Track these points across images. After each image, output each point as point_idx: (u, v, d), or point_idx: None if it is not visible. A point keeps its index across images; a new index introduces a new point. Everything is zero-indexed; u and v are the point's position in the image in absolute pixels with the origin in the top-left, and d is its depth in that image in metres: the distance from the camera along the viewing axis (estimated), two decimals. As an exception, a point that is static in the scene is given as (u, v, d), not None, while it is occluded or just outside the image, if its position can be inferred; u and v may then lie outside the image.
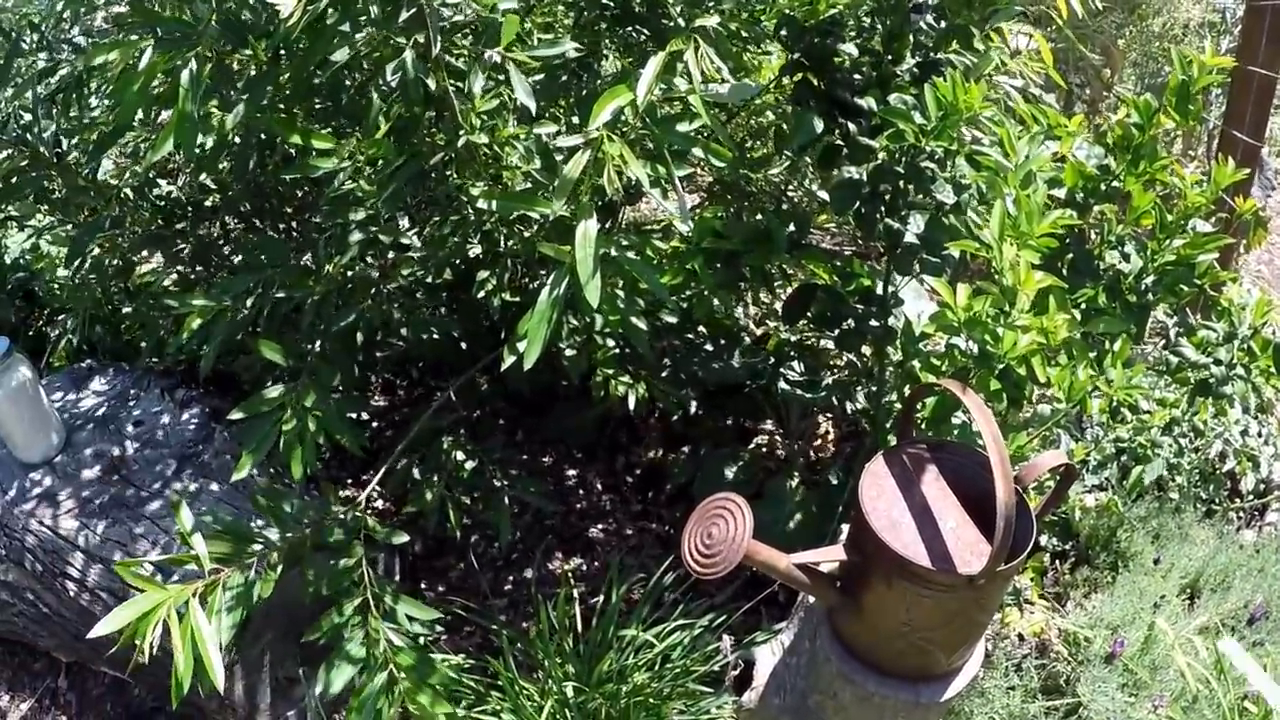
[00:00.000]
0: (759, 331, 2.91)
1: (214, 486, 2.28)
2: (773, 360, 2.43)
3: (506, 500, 2.33)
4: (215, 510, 2.20)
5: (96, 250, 2.43)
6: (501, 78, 1.77)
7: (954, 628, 1.46)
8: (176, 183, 2.46)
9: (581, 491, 2.64)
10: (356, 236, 1.99)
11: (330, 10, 1.63)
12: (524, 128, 1.88)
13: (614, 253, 1.76)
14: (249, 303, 1.99)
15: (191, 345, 2.06)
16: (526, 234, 2.02)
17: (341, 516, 2.00)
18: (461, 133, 1.83)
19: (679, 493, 2.60)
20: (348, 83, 1.90)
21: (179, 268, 2.47)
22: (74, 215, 2.39)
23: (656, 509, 2.64)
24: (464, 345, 2.44)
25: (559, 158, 1.86)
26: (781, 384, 2.36)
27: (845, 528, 1.58)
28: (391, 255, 2.06)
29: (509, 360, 1.82)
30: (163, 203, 2.33)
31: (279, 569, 1.89)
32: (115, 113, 2.11)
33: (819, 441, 2.70)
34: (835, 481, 2.40)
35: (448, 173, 1.98)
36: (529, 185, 1.89)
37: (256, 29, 1.78)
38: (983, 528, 1.42)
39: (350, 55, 1.71)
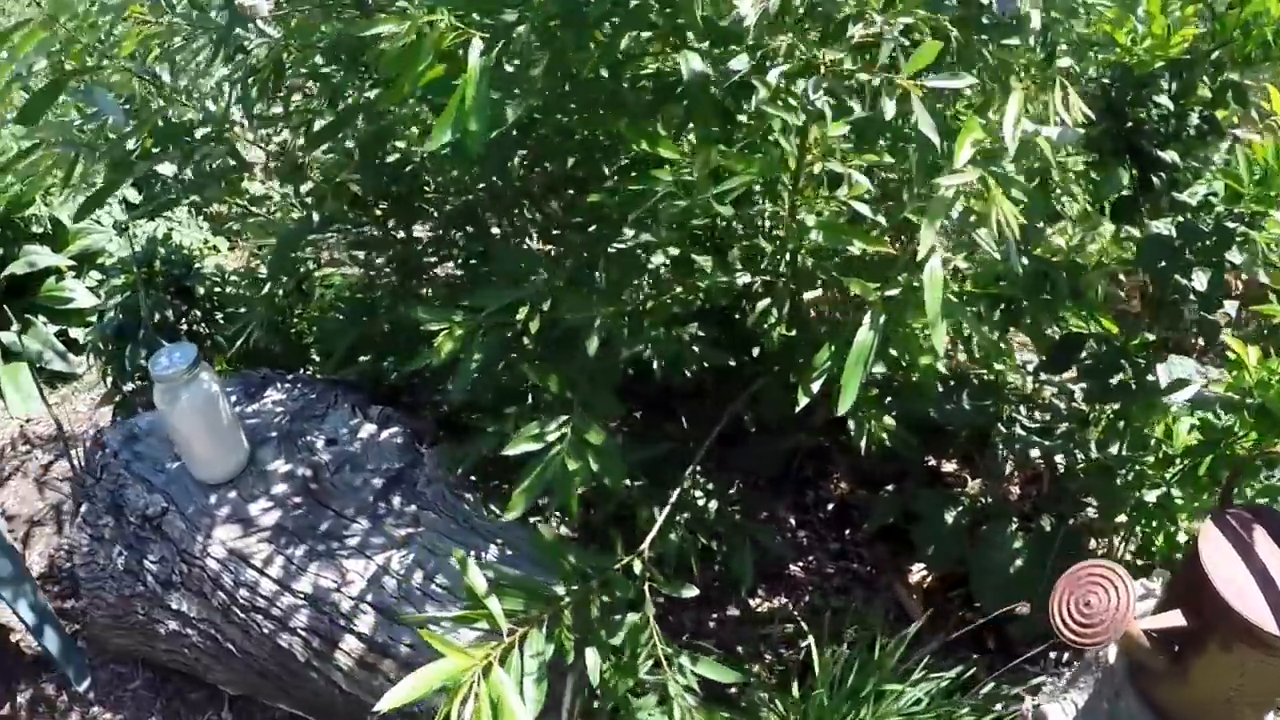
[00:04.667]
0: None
1: (432, 516, 2.10)
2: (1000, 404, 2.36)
3: (748, 542, 2.20)
4: (439, 544, 2.03)
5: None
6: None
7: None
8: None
9: (774, 526, 2.52)
10: (659, 258, 1.85)
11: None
12: (855, 155, 1.76)
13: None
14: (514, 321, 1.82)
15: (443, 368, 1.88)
16: (827, 266, 1.91)
17: (627, 568, 1.85)
18: (810, 156, 1.70)
19: (882, 533, 2.50)
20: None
21: (370, 272, 2.27)
22: (261, 206, 2.18)
23: (855, 548, 2.54)
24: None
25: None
26: (1017, 429, 2.29)
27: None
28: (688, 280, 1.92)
29: (803, 401, 1.71)
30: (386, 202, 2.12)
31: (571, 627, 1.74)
32: (383, 94, 1.90)
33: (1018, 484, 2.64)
34: (1048, 528, 2.35)
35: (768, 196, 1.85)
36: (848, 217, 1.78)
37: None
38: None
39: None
